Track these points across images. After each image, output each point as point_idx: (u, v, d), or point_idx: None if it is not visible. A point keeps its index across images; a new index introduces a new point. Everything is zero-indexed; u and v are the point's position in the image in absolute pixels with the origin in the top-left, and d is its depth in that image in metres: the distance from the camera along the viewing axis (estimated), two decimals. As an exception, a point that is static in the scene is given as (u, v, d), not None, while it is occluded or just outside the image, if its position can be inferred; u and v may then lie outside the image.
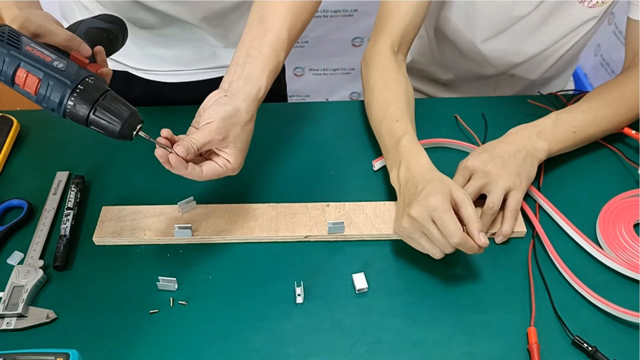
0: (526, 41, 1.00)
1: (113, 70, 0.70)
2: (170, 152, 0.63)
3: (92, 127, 0.60)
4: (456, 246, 0.66)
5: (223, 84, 0.69)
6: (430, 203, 0.65)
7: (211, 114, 0.66)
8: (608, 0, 0.92)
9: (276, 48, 0.71)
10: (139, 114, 0.62)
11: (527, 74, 1.08)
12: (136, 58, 1.00)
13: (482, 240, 0.66)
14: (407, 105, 0.83)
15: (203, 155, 0.69)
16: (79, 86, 0.59)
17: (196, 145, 0.64)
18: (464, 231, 0.66)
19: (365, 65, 0.91)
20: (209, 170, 0.67)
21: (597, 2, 0.92)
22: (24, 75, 0.58)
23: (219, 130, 0.65)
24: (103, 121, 0.59)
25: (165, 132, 0.65)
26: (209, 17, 0.93)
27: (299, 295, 0.69)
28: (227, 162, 0.68)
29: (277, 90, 1.17)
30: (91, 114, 0.59)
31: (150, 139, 0.63)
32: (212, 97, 0.68)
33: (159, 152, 0.63)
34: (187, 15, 0.91)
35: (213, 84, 0.70)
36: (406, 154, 0.75)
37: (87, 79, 0.60)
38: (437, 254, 0.68)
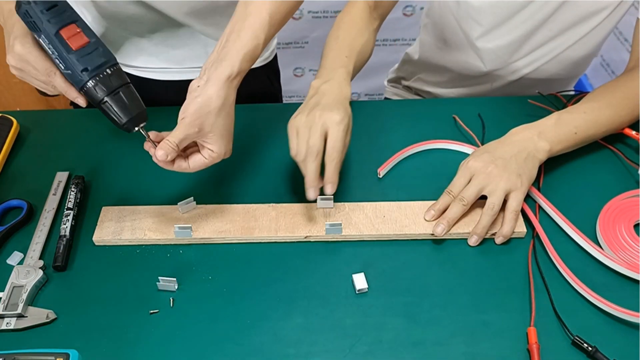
0: (526, 37, 1.00)
1: None
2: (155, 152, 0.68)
3: (102, 107, 0.64)
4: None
5: (201, 72, 0.69)
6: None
7: (184, 108, 0.67)
8: None
9: (255, 30, 0.70)
10: (146, 114, 0.67)
11: (523, 71, 1.07)
12: (128, 55, 0.99)
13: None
14: (360, 54, 0.88)
15: (189, 148, 0.71)
16: (114, 65, 0.64)
17: (173, 144, 0.66)
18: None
19: (342, 11, 0.95)
20: (195, 163, 0.70)
21: None
22: (76, 31, 0.62)
23: (192, 124, 0.66)
24: (114, 108, 0.64)
25: (152, 134, 0.70)
26: (195, 13, 0.92)
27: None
28: (210, 152, 0.69)
29: (270, 92, 1.17)
30: (107, 97, 0.64)
31: (148, 138, 0.69)
32: (190, 89, 0.68)
33: (149, 151, 0.69)
34: (172, 9, 0.90)
35: None
36: (338, 79, 0.80)
37: (117, 64, 0.65)
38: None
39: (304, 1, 0.81)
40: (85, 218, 0.79)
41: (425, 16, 1.16)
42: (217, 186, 0.83)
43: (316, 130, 0.71)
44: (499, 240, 0.76)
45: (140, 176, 0.85)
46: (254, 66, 1.07)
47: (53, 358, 0.61)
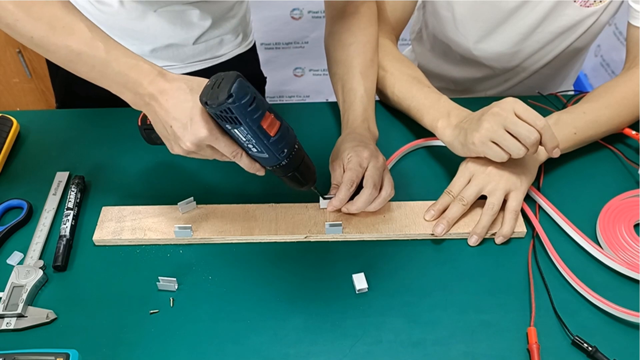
0: (521, 41, 1.00)
1: None
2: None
3: (287, 176, 0.67)
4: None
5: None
6: (496, 110, 0.72)
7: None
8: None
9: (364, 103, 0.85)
10: (316, 175, 0.70)
11: (522, 72, 1.08)
12: None
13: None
14: (426, 80, 0.91)
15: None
16: (295, 137, 0.65)
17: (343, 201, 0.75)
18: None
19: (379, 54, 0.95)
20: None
21: (593, 1, 0.92)
22: (271, 118, 0.60)
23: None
24: (299, 177, 0.67)
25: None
26: None
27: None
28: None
29: (257, 73, 1.20)
30: (294, 171, 0.66)
31: (322, 197, 0.76)
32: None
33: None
34: None
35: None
36: (452, 106, 0.83)
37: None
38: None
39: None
40: (85, 218, 0.79)
41: (415, 40, 1.18)
42: (217, 186, 0.83)
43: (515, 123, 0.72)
44: (499, 240, 0.76)
45: (140, 176, 0.85)
46: (241, 52, 1.07)
47: (53, 358, 0.61)
